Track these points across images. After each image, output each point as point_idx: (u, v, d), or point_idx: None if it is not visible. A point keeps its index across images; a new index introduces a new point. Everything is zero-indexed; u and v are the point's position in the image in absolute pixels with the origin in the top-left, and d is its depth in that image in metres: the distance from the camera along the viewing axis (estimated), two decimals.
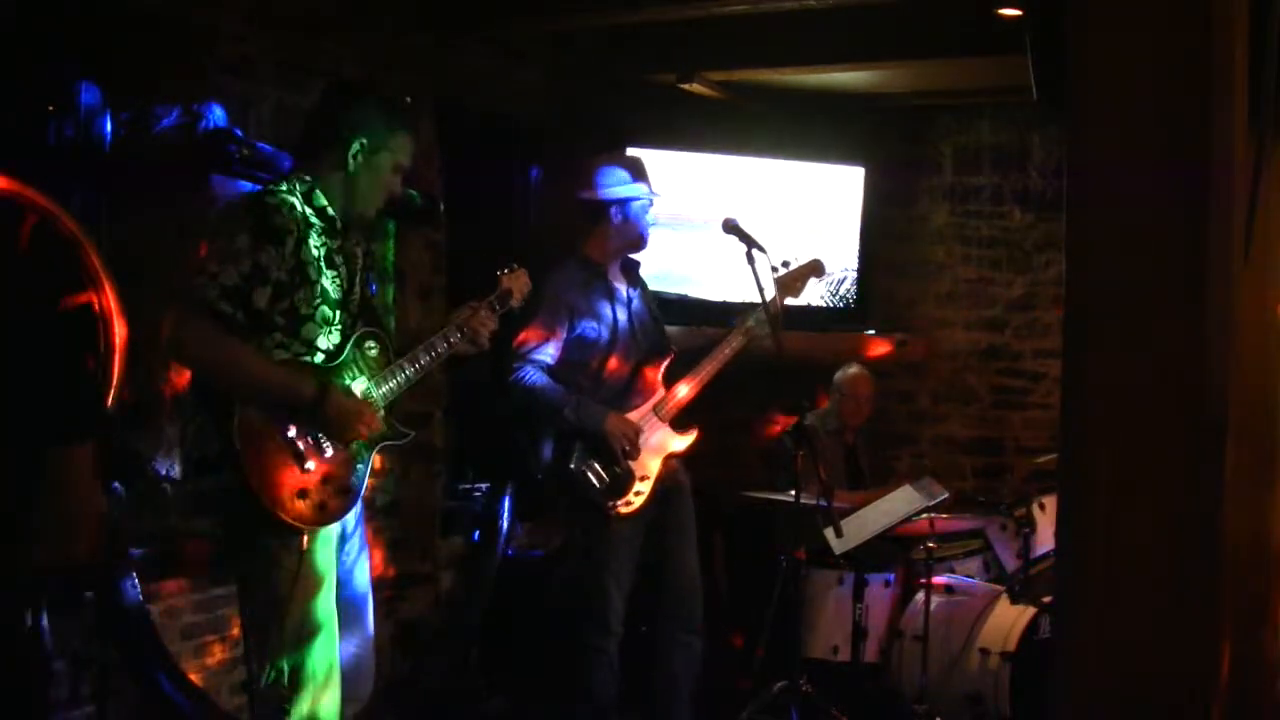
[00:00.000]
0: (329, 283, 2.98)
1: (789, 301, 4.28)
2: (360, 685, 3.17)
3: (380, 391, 3.08)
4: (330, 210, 3.02)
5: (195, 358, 2.91)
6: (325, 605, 2.94)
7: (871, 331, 6.27)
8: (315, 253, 2.94)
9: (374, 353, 3.10)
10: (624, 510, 4.02)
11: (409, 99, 3.19)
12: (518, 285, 3.53)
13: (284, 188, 2.97)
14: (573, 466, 3.99)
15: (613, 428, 4.02)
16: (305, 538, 2.87)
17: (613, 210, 4.15)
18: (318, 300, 2.94)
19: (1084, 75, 2.07)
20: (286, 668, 2.88)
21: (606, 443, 4.01)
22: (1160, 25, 1.99)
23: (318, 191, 3.01)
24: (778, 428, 5.77)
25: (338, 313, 3.01)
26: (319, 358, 2.97)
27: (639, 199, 4.16)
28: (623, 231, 4.17)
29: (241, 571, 3.02)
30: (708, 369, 4.18)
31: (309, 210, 2.98)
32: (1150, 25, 2.00)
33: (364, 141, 3.02)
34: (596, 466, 4.01)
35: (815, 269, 4.38)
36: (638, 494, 4.05)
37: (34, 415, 3.30)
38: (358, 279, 3.12)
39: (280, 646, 2.87)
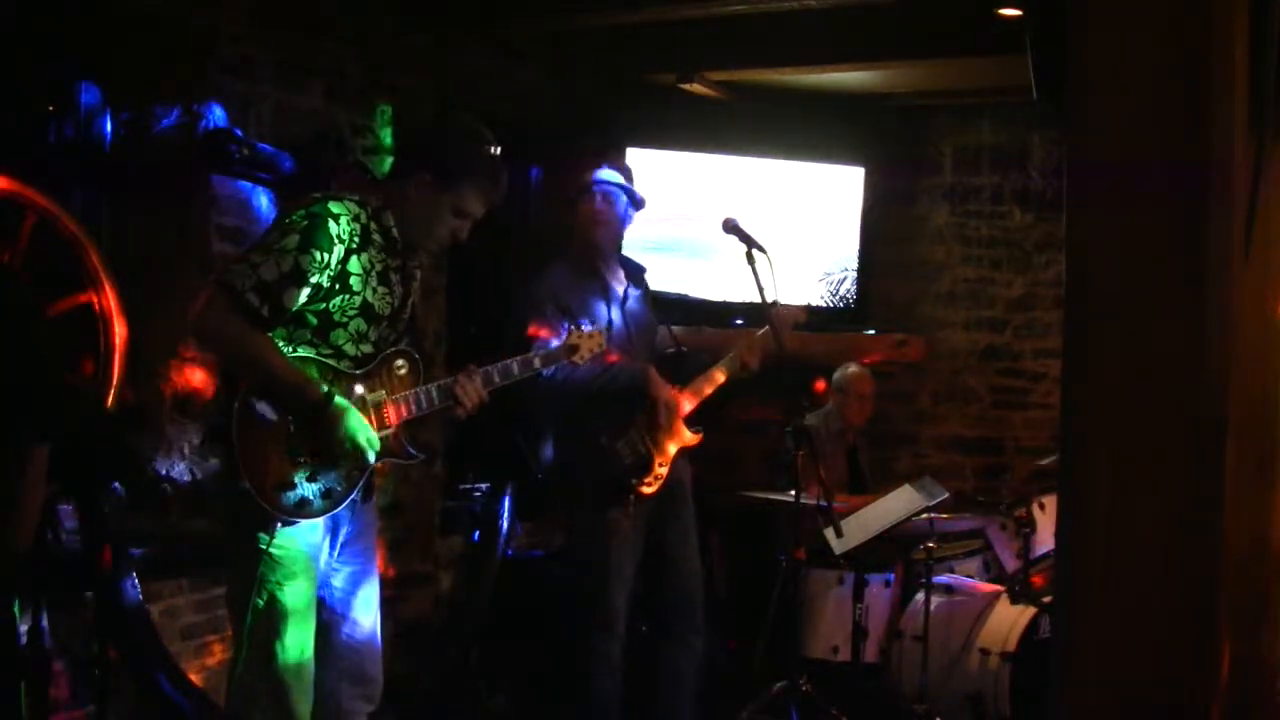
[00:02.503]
0: (375, 297, 3.00)
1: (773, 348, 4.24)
2: (367, 681, 3.15)
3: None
4: (394, 231, 3.05)
5: (213, 336, 2.95)
6: (298, 596, 2.94)
7: (871, 331, 6.28)
8: (366, 266, 2.96)
9: (403, 372, 3.11)
10: (646, 490, 4.06)
11: (496, 147, 3.11)
12: (587, 344, 3.53)
13: (351, 201, 2.99)
14: (603, 441, 3.99)
15: (655, 379, 4.05)
16: (278, 526, 2.87)
17: (593, 191, 4.16)
18: (354, 311, 2.96)
19: (1084, 75, 2.06)
20: (257, 654, 2.89)
21: (645, 402, 4.02)
22: (1160, 25, 1.99)
23: (387, 212, 3.04)
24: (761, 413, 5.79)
25: (379, 327, 3.03)
26: (345, 364, 2.99)
27: (615, 184, 4.19)
28: (600, 215, 4.17)
29: (227, 552, 3.03)
30: (704, 388, 4.21)
31: (374, 225, 3.01)
32: (1150, 25, 1.99)
33: (428, 177, 3.04)
34: (627, 443, 4.02)
35: (796, 316, 4.50)
36: (657, 476, 4.08)
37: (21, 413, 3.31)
38: (411, 299, 3.14)
39: (251, 632, 2.89)
